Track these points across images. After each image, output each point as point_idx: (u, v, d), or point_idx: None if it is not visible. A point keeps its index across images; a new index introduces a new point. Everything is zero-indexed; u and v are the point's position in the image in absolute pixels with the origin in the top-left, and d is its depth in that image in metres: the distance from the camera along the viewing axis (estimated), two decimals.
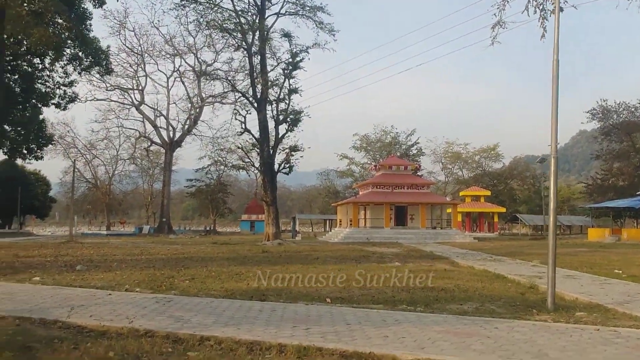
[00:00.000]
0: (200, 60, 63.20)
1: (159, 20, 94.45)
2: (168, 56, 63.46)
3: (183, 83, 66.16)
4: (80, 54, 31.21)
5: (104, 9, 41.29)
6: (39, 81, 32.10)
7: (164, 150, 68.32)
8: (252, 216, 77.19)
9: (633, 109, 62.08)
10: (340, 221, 53.93)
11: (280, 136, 36.90)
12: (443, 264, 20.84)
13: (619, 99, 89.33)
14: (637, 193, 48.56)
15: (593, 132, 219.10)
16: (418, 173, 52.16)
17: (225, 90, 55.15)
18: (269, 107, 37.13)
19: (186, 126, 66.78)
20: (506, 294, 11.20)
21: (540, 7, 16.21)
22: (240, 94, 37.69)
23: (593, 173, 75.36)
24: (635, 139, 62.27)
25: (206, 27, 36.61)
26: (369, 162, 77.32)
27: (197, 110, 65.71)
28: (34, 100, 31.40)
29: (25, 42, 28.43)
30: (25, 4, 16.63)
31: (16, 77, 30.74)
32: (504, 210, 65.81)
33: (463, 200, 64.39)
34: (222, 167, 72.61)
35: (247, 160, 37.69)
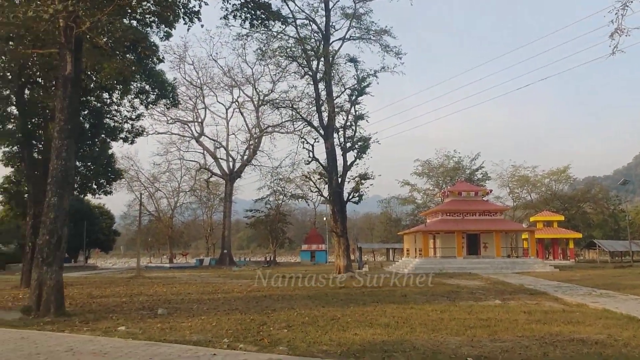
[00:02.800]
0: (258, 90, 63.25)
1: (217, 53, 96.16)
2: (226, 87, 63.88)
3: (242, 114, 66.35)
4: (147, 87, 30.98)
5: (165, 44, 41.51)
6: (107, 116, 32.04)
7: (224, 181, 68.22)
8: (312, 246, 75.85)
9: None
10: (407, 250, 51.77)
11: (348, 164, 35.54)
12: (547, 300, 18.80)
13: None
14: None
15: None
16: (484, 199, 49.58)
17: (286, 119, 54.99)
18: (335, 135, 35.96)
19: (245, 156, 66.62)
20: None
21: None
22: (305, 122, 36.68)
23: None
24: None
25: (271, 56, 36.00)
26: (431, 188, 75.11)
27: (256, 140, 65.48)
28: (103, 135, 31.26)
29: (94, 77, 28.33)
30: (103, 34, 16.01)
31: (85, 112, 30.72)
32: (580, 235, 61.98)
33: (534, 226, 61.02)
34: (281, 196, 71.97)
35: (315, 190, 36.46)
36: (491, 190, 54.12)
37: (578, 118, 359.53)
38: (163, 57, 25.43)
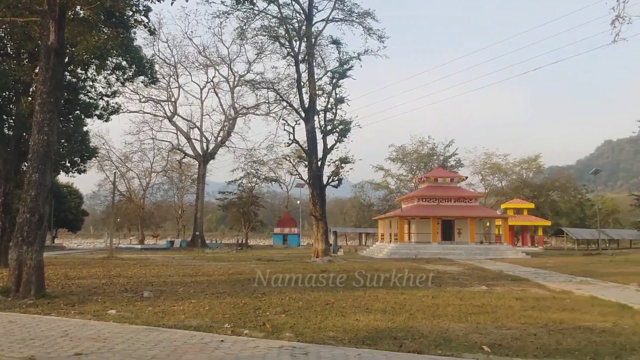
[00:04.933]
0: (233, 71, 62.18)
1: (192, 31, 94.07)
2: (201, 67, 62.51)
3: (217, 94, 65.14)
4: (124, 63, 29.93)
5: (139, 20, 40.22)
6: (82, 92, 30.89)
7: (197, 163, 67.16)
8: (284, 229, 75.64)
9: None
10: (382, 235, 51.93)
11: (329, 147, 35.20)
12: (531, 286, 18.96)
13: None
14: None
15: (618, 142, 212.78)
16: (459, 185, 49.97)
17: (262, 101, 54.16)
18: (315, 118, 35.55)
19: (219, 138, 65.60)
20: None
21: None
22: (287, 104, 36.10)
23: (620, 183, 72.36)
24: None
25: (253, 35, 35.22)
26: (405, 173, 75.39)
27: (231, 121, 64.51)
28: (77, 112, 30.12)
29: (70, 51, 27.24)
30: (88, 3, 15.13)
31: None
32: (549, 223, 63.19)
33: (506, 213, 61.93)
34: (254, 179, 71.33)
35: (294, 173, 36.02)
36: (467, 177, 54.64)
37: (545, 109, 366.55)
38: (154, 29, 24.39)
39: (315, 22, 35.92)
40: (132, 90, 55.47)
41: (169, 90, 63.38)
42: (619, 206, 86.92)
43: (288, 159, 38.65)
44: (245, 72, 59.28)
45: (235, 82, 61.78)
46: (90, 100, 31.22)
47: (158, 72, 60.33)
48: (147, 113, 63.68)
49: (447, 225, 45.74)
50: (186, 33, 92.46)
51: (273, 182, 73.58)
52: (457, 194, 47.24)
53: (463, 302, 13.95)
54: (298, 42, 35.14)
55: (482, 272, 26.48)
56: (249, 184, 71.90)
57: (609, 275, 23.90)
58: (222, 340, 8.18)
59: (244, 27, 35.13)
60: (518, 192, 73.49)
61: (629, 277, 22.65)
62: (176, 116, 64.39)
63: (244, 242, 70.52)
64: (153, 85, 40.25)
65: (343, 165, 34.67)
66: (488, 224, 49.37)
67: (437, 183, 48.05)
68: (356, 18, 35.71)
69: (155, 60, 56.47)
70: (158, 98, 62.73)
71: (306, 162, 35.16)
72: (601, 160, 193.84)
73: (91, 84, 31.32)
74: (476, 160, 78.61)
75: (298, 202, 78.09)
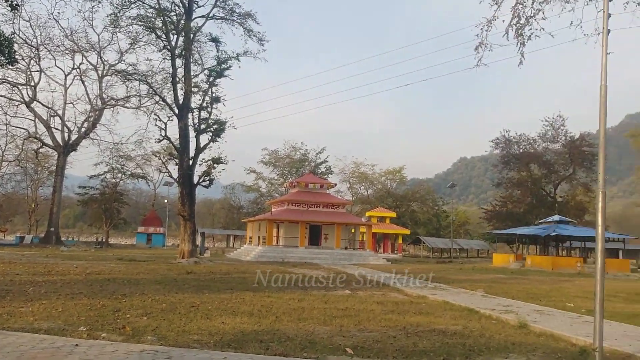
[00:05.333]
0: (103, 59, 58.68)
1: (59, 13, 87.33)
2: (67, 52, 58.09)
3: (83, 82, 60.87)
4: None
5: None
6: None
7: (56, 154, 62.34)
8: (149, 228, 72.73)
9: (531, 141, 66.04)
10: (250, 238, 51.81)
11: (202, 146, 34.41)
12: (391, 291, 19.92)
13: (520, 131, 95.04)
14: (540, 221, 51.07)
15: (472, 160, 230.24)
16: (328, 192, 51.43)
17: (133, 93, 51.77)
18: (190, 115, 34.63)
19: (83, 129, 61.48)
20: (523, 339, 10.16)
21: (519, 32, 15.90)
22: (160, 98, 34.74)
23: (471, 197, 79.06)
24: (532, 170, 66.13)
25: (127, 24, 33.45)
26: (276, 177, 75.91)
27: (97, 112, 60.74)
28: None
29: None
30: None
31: None
32: (408, 232, 66.98)
33: (370, 221, 64.70)
34: (120, 174, 67.83)
35: (164, 170, 34.66)
36: (336, 184, 56.24)
37: (411, 124, 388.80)
38: (17, 4, 22.26)
39: (195, 18, 35.08)
40: None
41: (29, 73, 58.26)
42: (470, 218, 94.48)
43: (158, 155, 37.22)
44: (117, 62, 56.17)
45: (105, 72, 58.33)
46: None
47: (17, 53, 55.46)
48: (1, 96, 58.09)
49: (315, 230, 46.77)
50: (52, 14, 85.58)
51: (140, 179, 70.47)
52: (326, 200, 48.49)
53: (328, 305, 14.30)
54: (176, 36, 34.03)
55: (346, 276, 27.28)
56: (114, 180, 68.25)
57: (459, 282, 25.79)
58: (76, 345, 7.64)
59: (119, 15, 33.32)
60: (382, 201, 77.16)
61: (476, 284, 24.70)
62: (35, 102, 59.33)
63: (104, 240, 66.71)
64: (10, 67, 36.86)
65: (215, 165, 34.08)
66: (353, 230, 51.26)
67: (307, 189, 48.97)
68: (237, 18, 35.41)
69: (14, 40, 51.79)
70: (15, 80, 57.45)
71: (177, 160, 34.08)
72: (456, 175, 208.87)
73: None
74: (345, 169, 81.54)
75: (166, 200, 75.51)
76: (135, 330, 9.30)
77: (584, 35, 14.90)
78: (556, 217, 47.76)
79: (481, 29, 15.60)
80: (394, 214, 67.38)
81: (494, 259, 49.57)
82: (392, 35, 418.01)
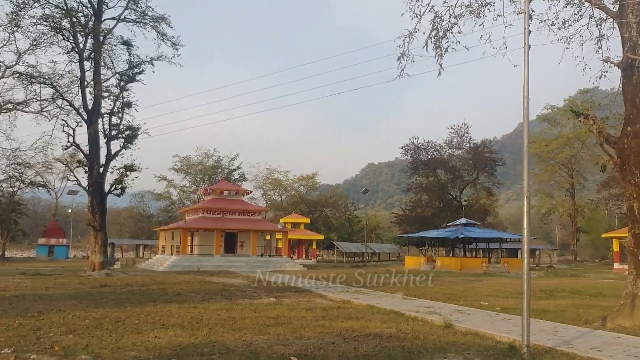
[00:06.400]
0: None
1: None
2: None
3: None
4: None
5: None
6: None
7: None
8: (50, 240, 68.57)
9: (439, 148, 69.10)
10: (163, 247, 50.28)
11: (113, 153, 33.02)
12: (315, 297, 20.09)
13: (428, 138, 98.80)
14: (448, 224, 53.41)
15: (379, 166, 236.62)
16: (243, 199, 51.03)
17: (38, 97, 48.63)
18: (100, 121, 33.18)
19: None
20: (454, 339, 10.62)
21: (437, 45, 16.68)
22: (67, 103, 32.93)
23: (379, 202, 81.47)
24: (439, 175, 69.12)
25: (31, 23, 31.44)
26: (189, 185, 74.30)
27: None
28: None
29: None
30: None
31: None
32: (322, 237, 67.74)
33: (285, 227, 64.82)
34: (17, 183, 63.53)
35: (72, 178, 32.89)
36: (251, 191, 55.85)
37: (324, 130, 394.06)
38: None
39: (105, 19, 33.72)
40: None
41: None
42: (380, 222, 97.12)
43: (65, 163, 35.27)
44: (14, 63, 52.60)
45: (2, 73, 54.46)
46: None
47: None
48: None
49: (231, 238, 46.22)
50: None
51: (40, 188, 66.36)
52: (242, 207, 48.07)
53: (258, 314, 14.21)
54: (84, 38, 32.50)
55: (267, 284, 27.19)
56: (10, 189, 63.82)
57: (377, 285, 26.40)
58: None
59: (20, 13, 31.34)
60: (296, 207, 77.59)
61: (395, 286, 25.44)
62: None
63: (1, 254, 62.15)
64: None
65: (128, 173, 32.84)
66: (269, 237, 51.15)
67: (222, 196, 48.30)
68: (150, 21, 34.40)
69: None
70: None
71: (86, 168, 32.47)
72: (364, 180, 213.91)
73: None
74: (259, 175, 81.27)
75: (70, 210, 71.59)
76: (65, 349, 8.81)
77: (494, 48, 15.90)
78: (463, 220, 50.19)
79: (403, 40, 16.29)
80: (308, 220, 67.92)
81: (405, 262, 51.27)
82: (303, 45, 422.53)
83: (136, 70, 33.64)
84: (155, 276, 31.52)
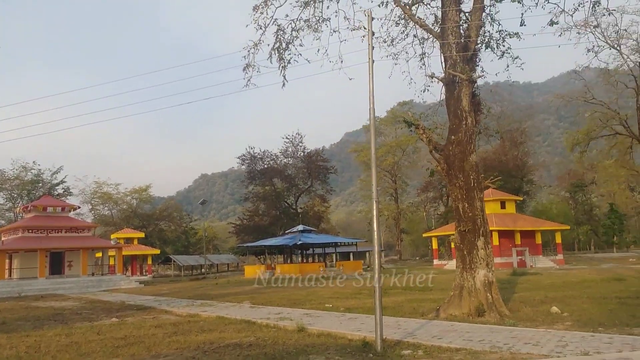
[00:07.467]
0: None
1: None
2: None
3: None
4: None
5: None
6: None
7: None
8: None
9: (275, 157, 70.44)
10: None
11: None
12: (160, 313, 19.46)
13: (264, 147, 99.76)
14: (287, 231, 54.61)
15: (212, 176, 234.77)
16: (71, 215, 47.38)
17: None
18: None
19: None
20: (312, 341, 11.04)
21: (281, 56, 17.32)
22: None
23: (213, 213, 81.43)
24: (276, 184, 70.48)
25: None
26: (3, 202, 66.83)
27: None
28: None
29: None
30: None
31: None
32: (158, 251, 65.30)
33: (118, 242, 61.30)
34: None
35: None
36: (79, 207, 52.00)
37: (154, 142, 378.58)
38: None
39: None
40: None
41: None
42: (217, 233, 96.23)
43: None
44: None
45: None
46: None
47: None
48: None
49: (57, 258, 42.62)
50: None
51: None
52: (69, 224, 44.54)
53: (103, 336, 13.40)
54: None
55: (103, 304, 25.66)
56: None
57: (221, 296, 26.26)
58: None
59: None
60: (128, 221, 73.82)
61: (239, 296, 25.50)
62: None
63: None
64: None
65: None
66: (100, 254, 48.07)
67: (46, 212, 44.27)
68: None
69: None
70: None
71: None
72: (198, 191, 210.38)
73: None
74: (86, 189, 75.90)
75: None
76: None
77: (330, 62, 16.90)
78: (300, 227, 51.74)
79: (248, 51, 16.61)
80: (142, 234, 64.99)
81: (245, 271, 51.41)
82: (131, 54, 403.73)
83: None
84: None
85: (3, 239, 44.55)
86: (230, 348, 10.47)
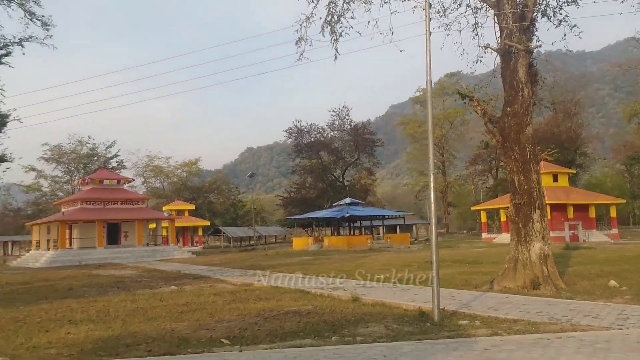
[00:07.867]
0: None
1: None
2: None
3: None
4: None
5: None
6: None
7: None
8: None
9: (321, 130, 70.60)
10: (38, 243, 46.92)
11: None
12: (216, 282, 20.11)
13: (310, 121, 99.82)
14: (334, 204, 55.00)
15: (258, 150, 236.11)
16: (125, 187, 48.96)
17: None
18: None
19: None
20: (368, 310, 11.30)
21: (333, 29, 17.28)
22: None
23: (259, 186, 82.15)
24: (322, 157, 70.74)
25: None
26: (61, 175, 69.55)
27: None
28: None
29: None
30: None
31: None
32: (208, 223, 66.88)
33: (170, 214, 63.10)
34: None
35: None
36: (133, 179, 53.66)
37: (204, 115, 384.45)
38: None
39: None
40: None
41: None
42: (265, 206, 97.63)
43: None
44: None
45: None
46: None
47: None
48: None
49: (113, 229, 44.27)
50: None
51: None
52: (124, 196, 46.13)
53: (166, 302, 14.02)
54: None
55: (159, 273, 26.63)
56: None
57: (272, 267, 26.78)
58: None
59: None
60: (179, 194, 75.70)
61: (290, 267, 26.00)
62: None
63: None
64: None
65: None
66: (155, 225, 49.63)
67: (102, 185, 45.95)
68: None
69: None
70: None
71: None
72: (244, 165, 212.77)
73: None
74: (139, 162, 78.15)
75: None
76: None
77: (380, 34, 16.79)
78: (348, 200, 51.99)
79: (300, 24, 16.65)
80: (192, 207, 66.64)
81: (294, 243, 52.15)
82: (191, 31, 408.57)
83: (2, 52, 30.79)
84: (34, 273, 29.60)
85: (63, 210, 46.56)
86: (289, 315, 10.83)
